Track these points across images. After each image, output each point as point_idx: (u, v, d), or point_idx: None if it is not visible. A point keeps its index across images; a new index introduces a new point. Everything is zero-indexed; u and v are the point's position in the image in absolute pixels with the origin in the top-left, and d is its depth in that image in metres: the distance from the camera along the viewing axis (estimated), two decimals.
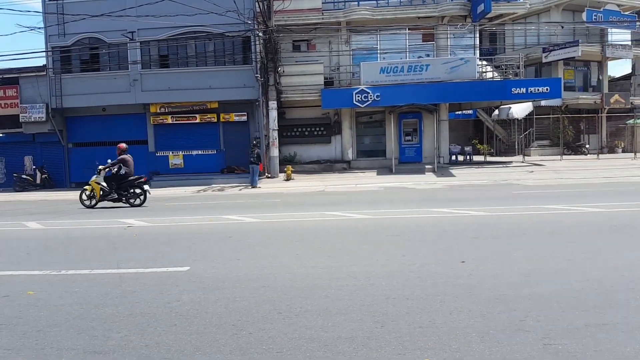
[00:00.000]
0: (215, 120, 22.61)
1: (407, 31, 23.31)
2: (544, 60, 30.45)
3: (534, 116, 30.29)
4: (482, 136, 32.66)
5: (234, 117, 22.50)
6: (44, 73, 22.58)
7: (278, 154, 21.58)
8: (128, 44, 21.78)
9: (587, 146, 30.51)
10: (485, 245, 6.57)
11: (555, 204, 10.37)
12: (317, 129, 24.15)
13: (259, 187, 18.62)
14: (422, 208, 10.65)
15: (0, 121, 23.26)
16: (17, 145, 23.97)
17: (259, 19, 21.18)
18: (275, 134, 21.09)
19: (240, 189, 18.36)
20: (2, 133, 23.59)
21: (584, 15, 29.49)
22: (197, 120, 22.63)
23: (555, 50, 29.66)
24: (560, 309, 3.99)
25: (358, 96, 21.31)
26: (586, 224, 7.96)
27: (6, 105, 23.08)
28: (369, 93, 21.26)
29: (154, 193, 18.27)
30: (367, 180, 18.95)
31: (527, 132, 30.63)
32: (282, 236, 7.92)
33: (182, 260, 6.29)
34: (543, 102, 28.23)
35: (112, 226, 9.89)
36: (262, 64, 21.37)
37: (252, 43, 21.39)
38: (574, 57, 29.72)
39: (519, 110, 29.22)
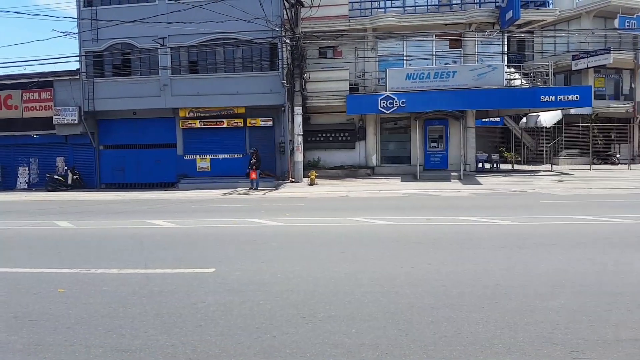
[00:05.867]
0: (242, 125, 22.84)
1: (434, 38, 23.15)
2: (573, 68, 29.87)
3: (563, 124, 29.69)
4: (509, 144, 32.19)
5: (260, 122, 22.70)
6: (78, 77, 23.16)
7: (302, 159, 21.64)
8: (159, 50, 22.18)
9: (618, 156, 29.77)
10: (512, 255, 6.48)
11: (585, 214, 10.15)
12: (342, 134, 24.16)
13: (261, 190, 18.82)
14: (447, 216, 10.54)
15: (34, 123, 23.91)
16: (50, 147, 24.60)
17: (286, 26, 21.35)
18: (300, 139, 21.17)
19: (265, 193, 18.49)
20: (36, 134, 24.24)
21: (616, 22, 28.84)
22: (224, 125, 22.89)
23: (585, 57, 29.06)
24: (590, 322, 3.92)
25: (383, 102, 21.26)
26: (616, 236, 7.77)
27: (41, 108, 23.74)
28: (394, 99, 21.20)
29: (182, 195, 18.56)
30: (391, 187, 18.86)
31: (555, 140, 30.06)
32: (305, 241, 7.94)
33: (208, 262, 6.37)
34: (572, 111, 27.66)
35: (140, 227, 10.08)
36: (289, 70, 21.51)
37: (279, 50, 21.57)
38: (605, 65, 29.04)
39: (548, 118, 28.71)
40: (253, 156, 20.20)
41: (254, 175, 20.18)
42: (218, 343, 3.64)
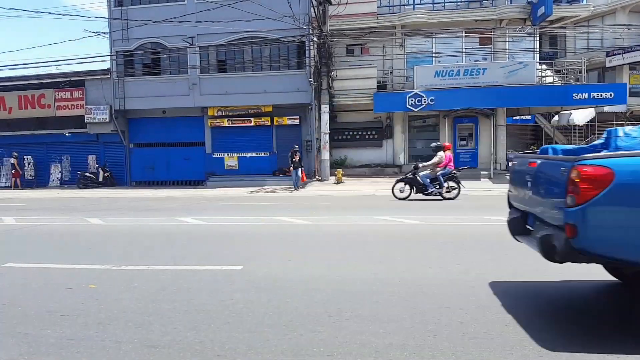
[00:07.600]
0: (269, 123, 22.95)
1: (464, 34, 22.80)
2: (607, 65, 29.05)
3: (596, 123, 28.93)
4: (540, 142, 31.47)
5: (287, 121, 22.78)
6: (108, 76, 23.63)
7: (329, 158, 21.63)
8: (188, 49, 22.45)
9: None
10: None
11: None
12: (369, 132, 24.03)
13: (302, 189, 18.88)
14: (477, 215, 10.38)
15: (66, 121, 24.50)
16: (82, 145, 25.17)
17: (314, 24, 21.35)
18: (327, 137, 21.16)
19: (291, 191, 18.56)
20: (68, 132, 24.81)
21: None
22: (252, 124, 23.04)
23: (620, 54, 28.23)
24: (623, 323, 3.80)
25: (411, 100, 21.05)
26: None
27: (73, 107, 24.32)
28: (422, 97, 20.96)
29: (210, 193, 18.77)
30: None
31: (588, 139, 29.28)
32: (332, 239, 7.93)
33: (236, 259, 6.42)
34: (606, 109, 26.93)
35: (169, 224, 10.23)
36: (316, 68, 21.50)
37: (307, 48, 21.58)
38: None
39: (580, 116, 27.97)
40: (296, 154, 19.74)
41: (305, 178, 20.21)
42: (246, 340, 3.65)
